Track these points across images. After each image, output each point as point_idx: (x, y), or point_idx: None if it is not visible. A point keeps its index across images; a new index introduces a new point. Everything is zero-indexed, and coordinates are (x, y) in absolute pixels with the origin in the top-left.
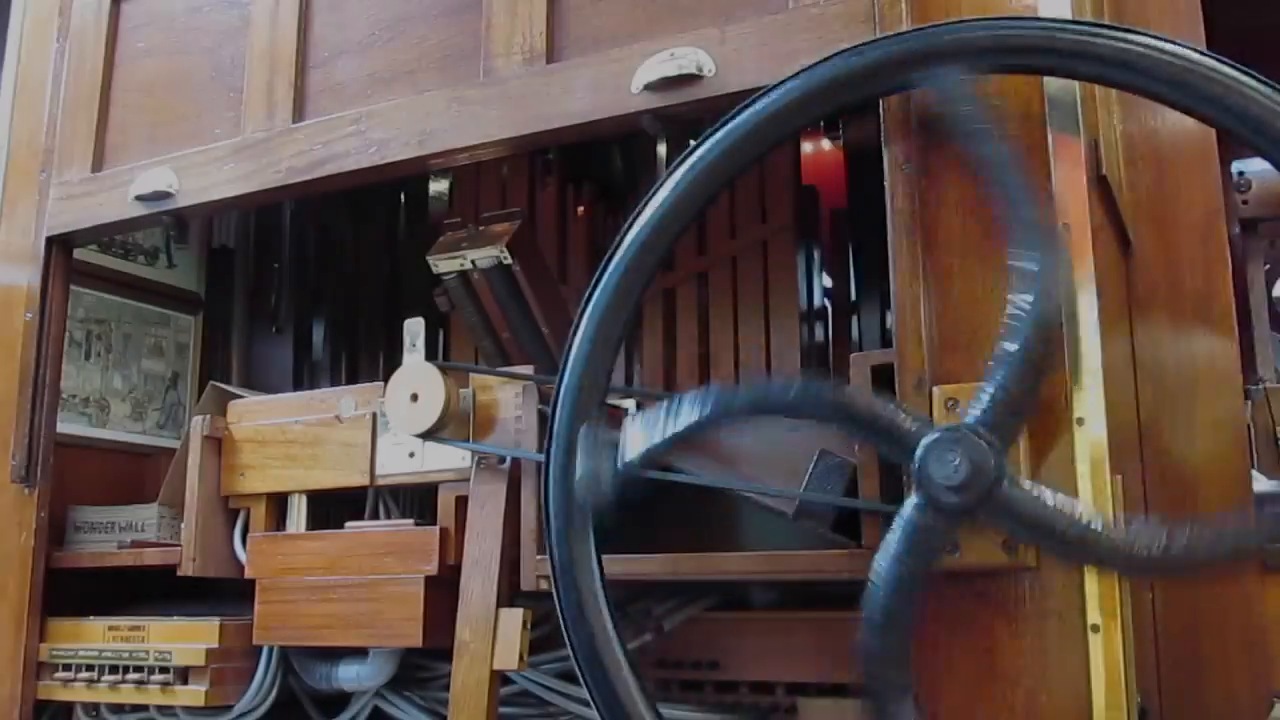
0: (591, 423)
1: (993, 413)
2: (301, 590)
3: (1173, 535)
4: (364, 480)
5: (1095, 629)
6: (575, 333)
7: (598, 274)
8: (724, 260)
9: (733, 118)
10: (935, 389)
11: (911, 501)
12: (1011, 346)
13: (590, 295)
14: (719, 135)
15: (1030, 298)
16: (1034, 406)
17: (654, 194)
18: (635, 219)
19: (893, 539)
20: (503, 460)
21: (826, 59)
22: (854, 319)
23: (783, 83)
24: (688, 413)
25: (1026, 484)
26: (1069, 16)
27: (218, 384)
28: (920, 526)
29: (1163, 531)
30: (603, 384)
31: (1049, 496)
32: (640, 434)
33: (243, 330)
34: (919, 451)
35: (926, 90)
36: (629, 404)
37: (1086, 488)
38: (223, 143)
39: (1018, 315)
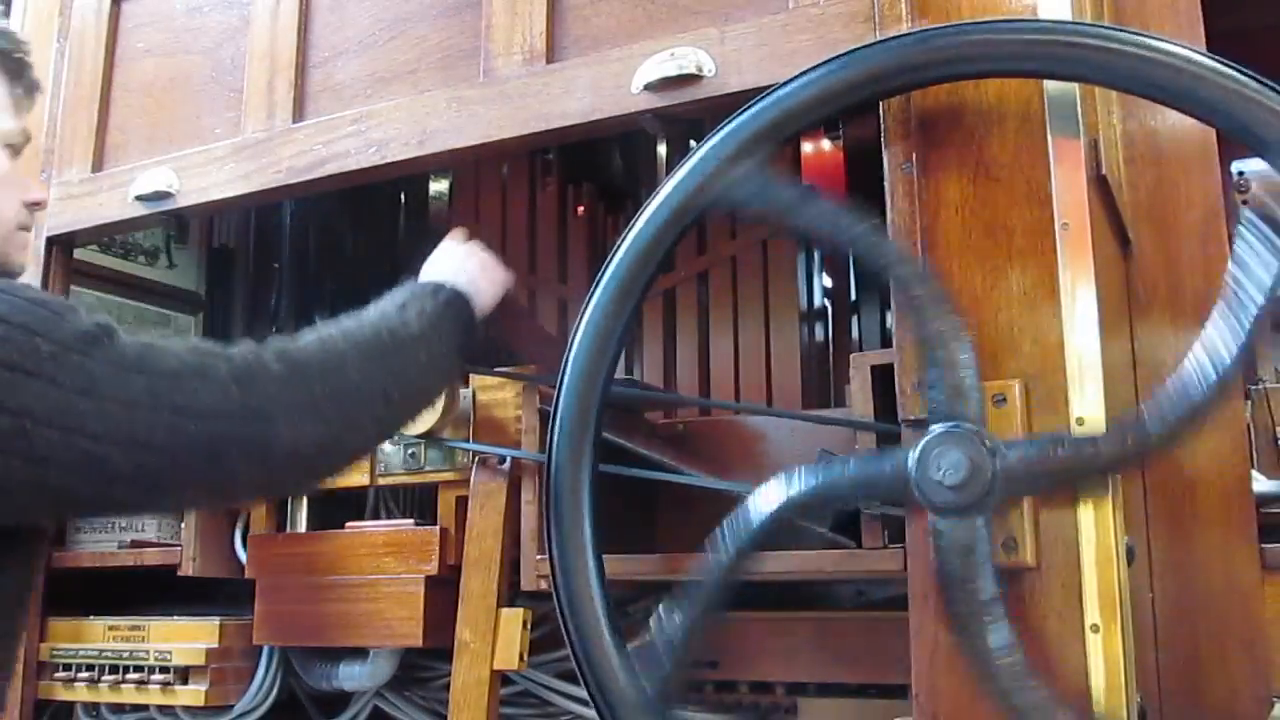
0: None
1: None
2: (301, 590)
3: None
4: (364, 480)
5: (1095, 629)
6: (576, 334)
7: (599, 274)
8: (724, 260)
9: (735, 119)
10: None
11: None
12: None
13: (591, 296)
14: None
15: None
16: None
17: (656, 195)
18: (637, 219)
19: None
20: (503, 460)
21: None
22: (854, 319)
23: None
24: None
25: (1014, 442)
26: (1068, 17)
27: None
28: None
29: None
30: (604, 385)
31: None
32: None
33: (243, 330)
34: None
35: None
36: None
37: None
38: (223, 143)
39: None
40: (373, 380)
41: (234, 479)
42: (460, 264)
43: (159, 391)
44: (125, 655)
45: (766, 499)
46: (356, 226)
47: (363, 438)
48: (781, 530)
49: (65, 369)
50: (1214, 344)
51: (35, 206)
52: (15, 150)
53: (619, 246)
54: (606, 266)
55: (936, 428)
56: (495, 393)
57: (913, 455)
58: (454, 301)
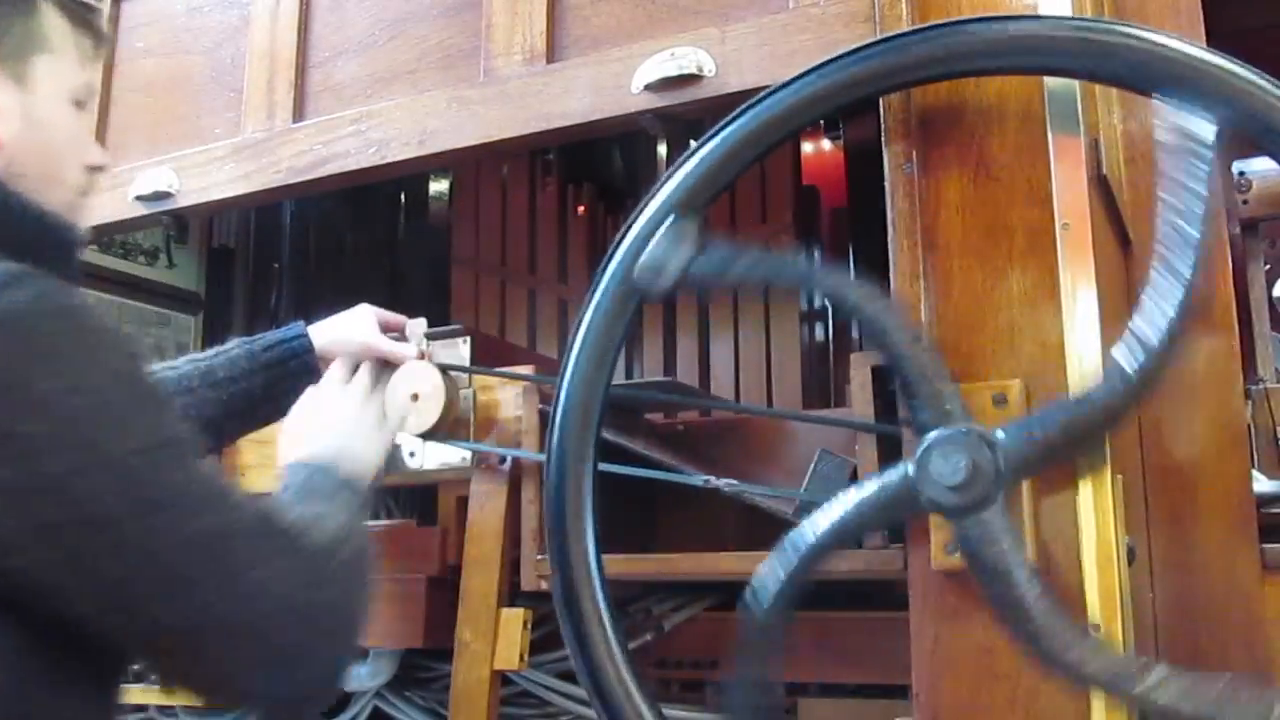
0: (683, 215)
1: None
2: None
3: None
4: None
5: (1095, 629)
6: (576, 333)
7: (599, 272)
8: None
9: (734, 119)
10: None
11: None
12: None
13: (591, 296)
14: (725, 131)
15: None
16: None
17: (654, 193)
18: (635, 218)
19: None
20: (503, 460)
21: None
22: (854, 319)
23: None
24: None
25: (1009, 429)
26: (1069, 15)
27: None
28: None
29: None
30: (604, 384)
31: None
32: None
33: (243, 330)
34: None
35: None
36: None
37: (1087, 488)
38: (223, 143)
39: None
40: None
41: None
42: (347, 430)
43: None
44: None
45: (784, 561)
46: (356, 226)
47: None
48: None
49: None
50: (1165, 279)
51: (97, 171)
52: (81, 105)
53: (619, 243)
54: (607, 264)
55: (929, 437)
56: (495, 393)
57: (911, 468)
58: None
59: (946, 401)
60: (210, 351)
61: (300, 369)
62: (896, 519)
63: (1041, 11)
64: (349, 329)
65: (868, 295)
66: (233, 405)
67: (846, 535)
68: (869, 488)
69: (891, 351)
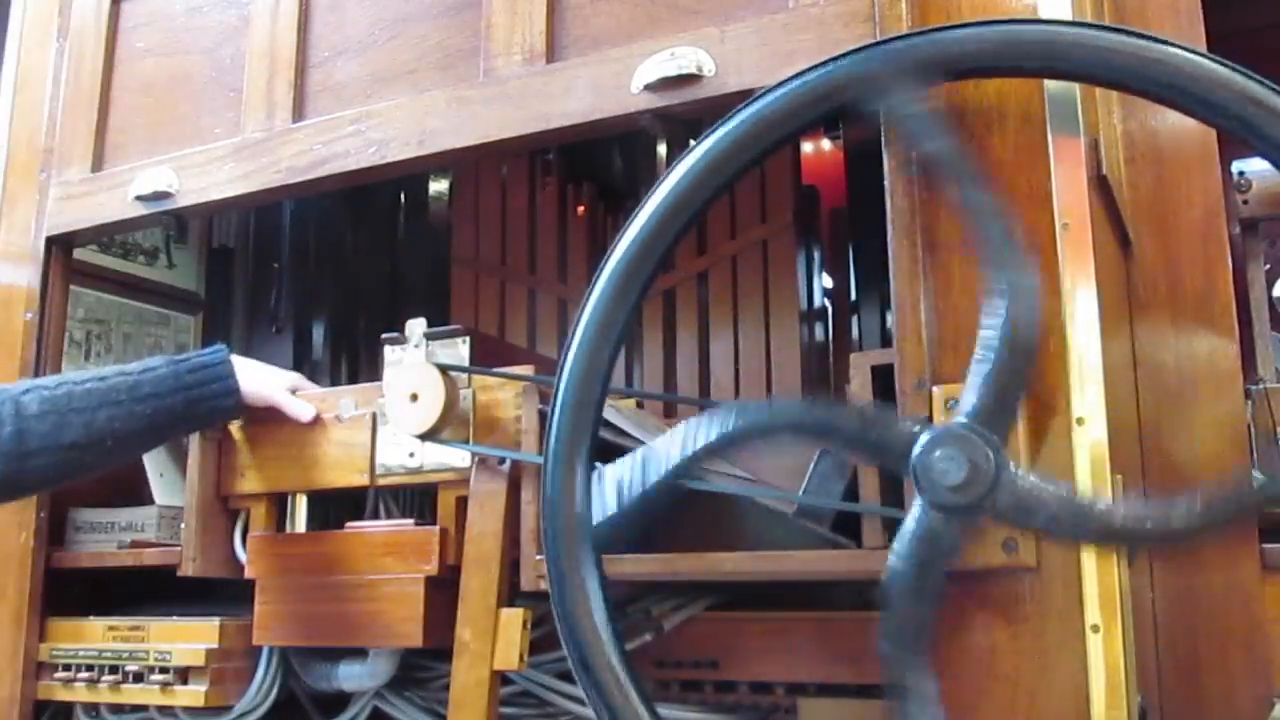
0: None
1: (982, 407)
2: (301, 590)
3: (1172, 505)
4: (364, 480)
5: (1095, 629)
6: (574, 335)
7: (596, 274)
8: (724, 260)
9: (732, 119)
10: (935, 389)
11: (915, 507)
12: (991, 337)
13: (589, 296)
14: (721, 133)
15: (1003, 299)
16: (1020, 393)
17: (653, 192)
18: (634, 218)
19: (903, 546)
20: (503, 461)
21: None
22: (854, 319)
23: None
24: (666, 456)
25: (1024, 474)
26: (1069, 16)
27: None
28: (929, 531)
29: (1163, 502)
30: (601, 387)
31: (1049, 483)
32: (620, 483)
33: (243, 330)
34: (914, 455)
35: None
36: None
37: (1087, 488)
38: (223, 143)
39: (994, 314)
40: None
41: None
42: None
43: None
44: (125, 655)
45: (786, 403)
46: (356, 226)
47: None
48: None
49: None
50: None
51: None
52: None
53: (619, 241)
54: (606, 261)
55: (957, 421)
56: (495, 393)
57: (922, 439)
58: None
59: (1005, 413)
60: (138, 366)
61: (221, 392)
62: (869, 457)
63: (1042, 14)
64: (261, 380)
65: (794, 421)
66: (155, 420)
67: (824, 433)
68: (874, 424)
69: (845, 436)
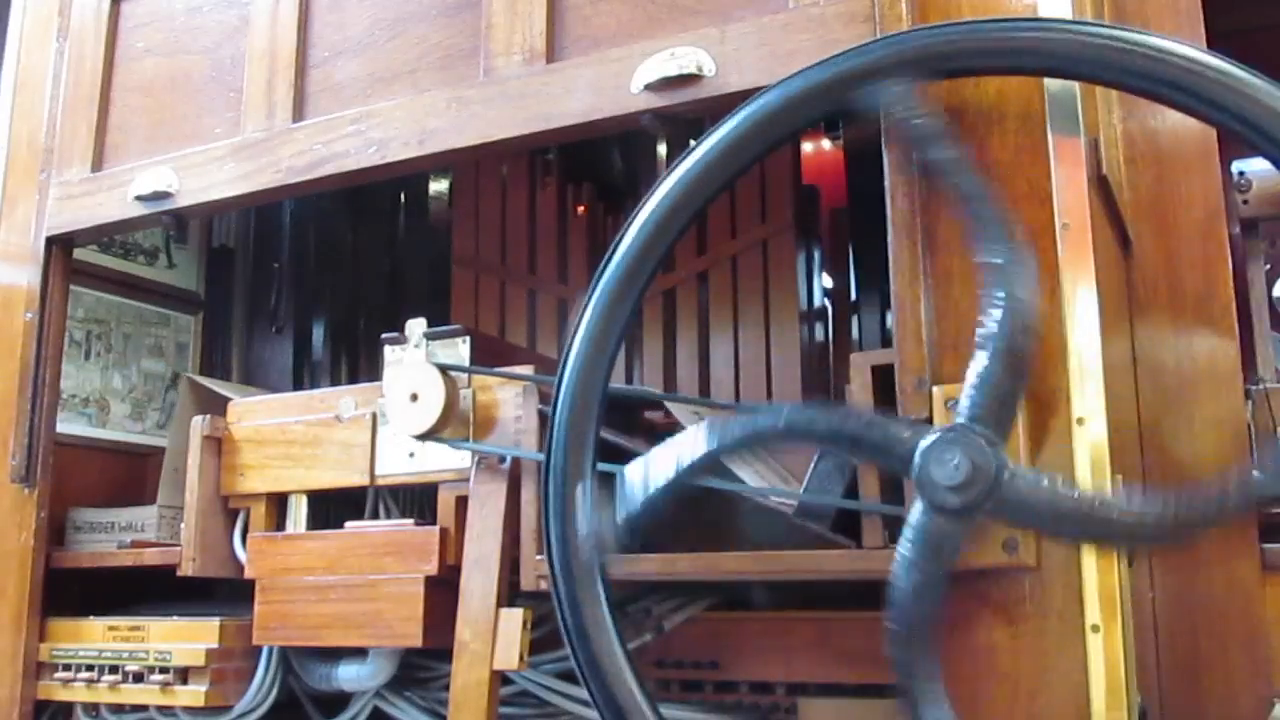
0: (586, 481)
1: (982, 407)
2: (301, 590)
3: (1171, 502)
4: (364, 480)
5: (1095, 629)
6: (574, 335)
7: (597, 274)
8: (724, 260)
9: (733, 117)
10: (935, 389)
11: (916, 507)
12: (990, 337)
13: (590, 296)
14: (721, 133)
15: (1001, 291)
16: (1021, 394)
17: (653, 193)
18: (634, 218)
19: (906, 548)
20: (503, 460)
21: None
22: (854, 319)
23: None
24: (685, 453)
25: (1026, 472)
26: (1068, 16)
27: (191, 376)
28: (931, 531)
29: (1161, 499)
30: (601, 386)
31: (1049, 482)
32: (639, 483)
33: (243, 330)
34: (917, 457)
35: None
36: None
37: (1087, 488)
38: (223, 142)
39: (993, 307)
40: None
41: None
42: None
43: None
44: (125, 655)
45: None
46: (356, 226)
47: None
48: (786, 437)
49: None
50: None
51: None
52: None
53: (620, 240)
54: (607, 261)
55: (958, 422)
56: (495, 392)
57: (924, 443)
58: None
59: (1006, 412)
60: None
61: None
62: (873, 458)
63: (1041, 13)
64: None
65: (803, 426)
66: None
67: (829, 437)
68: (881, 428)
69: (849, 440)
